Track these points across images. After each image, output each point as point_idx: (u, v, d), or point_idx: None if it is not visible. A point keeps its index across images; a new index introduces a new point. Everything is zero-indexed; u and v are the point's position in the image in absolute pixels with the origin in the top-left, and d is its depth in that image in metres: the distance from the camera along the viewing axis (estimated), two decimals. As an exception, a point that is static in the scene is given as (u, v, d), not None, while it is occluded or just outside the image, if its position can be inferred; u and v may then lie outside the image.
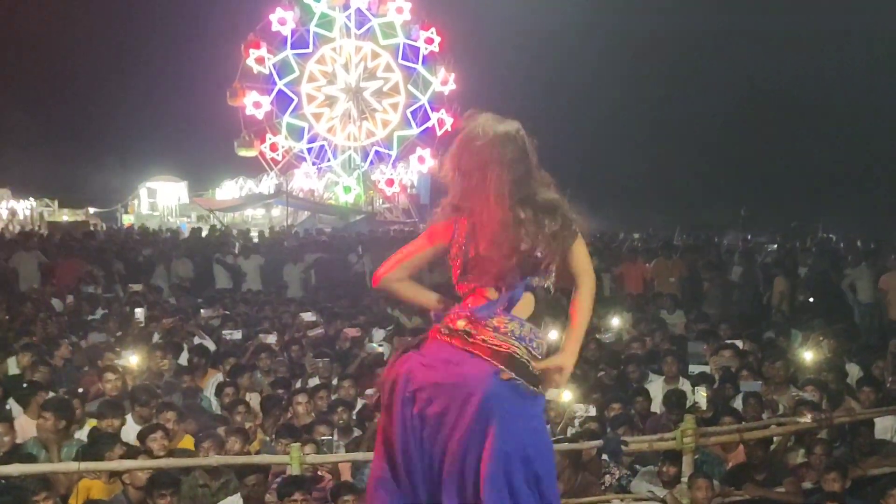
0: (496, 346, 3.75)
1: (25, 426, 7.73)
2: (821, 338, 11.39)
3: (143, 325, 12.04)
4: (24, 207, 50.05)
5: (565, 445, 7.72)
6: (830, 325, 12.57)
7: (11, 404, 8.44)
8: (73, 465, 6.33)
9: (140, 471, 6.52)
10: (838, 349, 11.23)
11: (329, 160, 38.67)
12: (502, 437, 3.67)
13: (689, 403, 9.00)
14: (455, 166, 3.93)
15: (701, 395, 9.09)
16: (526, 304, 3.86)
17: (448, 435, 3.75)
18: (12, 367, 10.02)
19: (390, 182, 38.41)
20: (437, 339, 3.88)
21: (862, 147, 46.92)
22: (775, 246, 26.07)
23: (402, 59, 38.01)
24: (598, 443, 7.46)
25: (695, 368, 10.15)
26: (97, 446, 6.98)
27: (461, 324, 3.79)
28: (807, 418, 8.21)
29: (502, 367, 3.72)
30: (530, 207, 3.79)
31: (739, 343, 11.39)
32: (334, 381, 9.75)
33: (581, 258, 3.98)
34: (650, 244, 23.10)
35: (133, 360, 9.64)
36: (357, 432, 8.15)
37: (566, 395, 8.74)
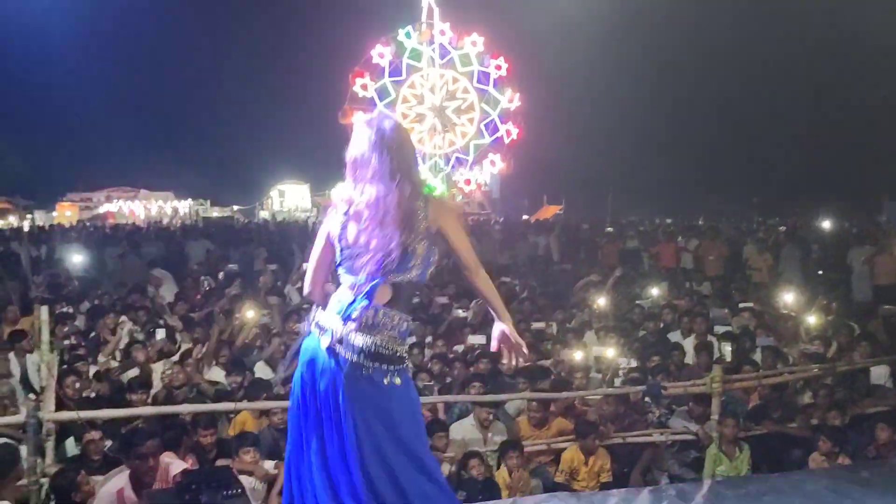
0: (360, 345, 3.12)
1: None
2: (825, 302, 11.10)
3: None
4: (184, 206, 51.31)
5: (615, 390, 7.68)
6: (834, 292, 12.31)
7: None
8: (230, 405, 6.43)
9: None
10: (840, 311, 10.96)
11: (419, 165, 38.81)
12: (365, 423, 3.12)
13: (715, 356, 8.87)
14: (348, 155, 3.30)
15: (726, 349, 8.95)
16: (383, 293, 3.15)
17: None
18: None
19: (468, 181, 38.35)
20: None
21: (852, 148, 45.60)
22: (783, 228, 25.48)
23: (477, 82, 37.83)
24: (642, 388, 7.40)
25: (720, 328, 9.98)
26: (254, 389, 7.12)
27: (326, 324, 3.20)
28: (814, 367, 8.05)
29: (364, 363, 3.11)
30: (410, 196, 3.16)
31: (753, 305, 11.17)
32: (428, 340, 9.74)
33: (462, 249, 3.23)
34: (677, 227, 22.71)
35: (250, 314, 9.49)
36: (448, 379, 8.18)
37: (610, 352, 8.68)
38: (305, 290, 3.48)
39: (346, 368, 3.14)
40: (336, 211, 3.25)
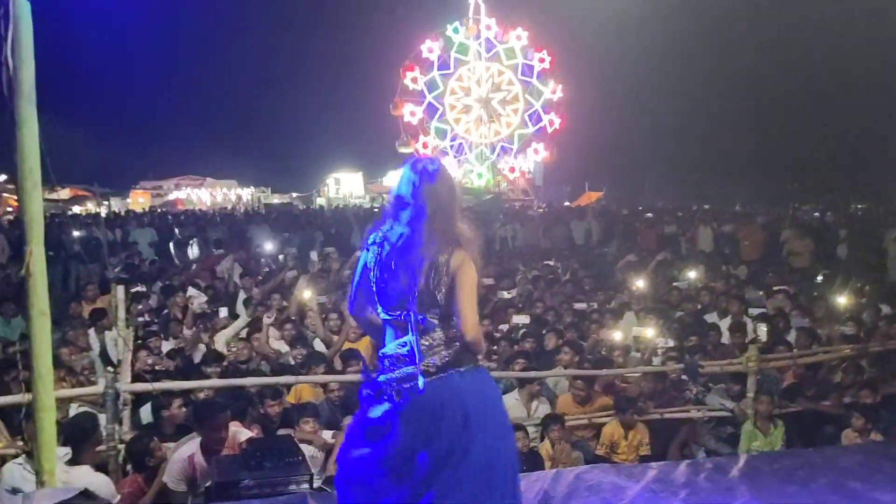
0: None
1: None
2: (858, 284, 10.85)
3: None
4: (247, 193, 52.07)
5: (654, 368, 7.62)
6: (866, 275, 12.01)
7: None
8: (291, 378, 6.49)
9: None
10: (872, 293, 10.70)
11: (466, 154, 38.66)
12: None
13: (750, 336, 8.73)
14: (391, 192, 3.23)
15: (761, 330, 8.80)
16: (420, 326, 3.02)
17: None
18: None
19: (512, 169, 38.24)
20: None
21: (887, 135, 44.21)
22: (816, 214, 24.95)
23: (521, 74, 37.66)
24: (680, 366, 7.33)
25: (755, 310, 9.81)
26: (311, 361, 7.20)
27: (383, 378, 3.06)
28: (846, 348, 7.88)
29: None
30: (439, 243, 2.99)
31: (788, 288, 10.98)
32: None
33: (465, 305, 2.99)
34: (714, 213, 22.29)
35: (307, 295, 9.40)
36: (493, 357, 8.16)
37: (649, 332, 8.58)
38: (349, 311, 3.36)
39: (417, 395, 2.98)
40: (374, 244, 3.13)
